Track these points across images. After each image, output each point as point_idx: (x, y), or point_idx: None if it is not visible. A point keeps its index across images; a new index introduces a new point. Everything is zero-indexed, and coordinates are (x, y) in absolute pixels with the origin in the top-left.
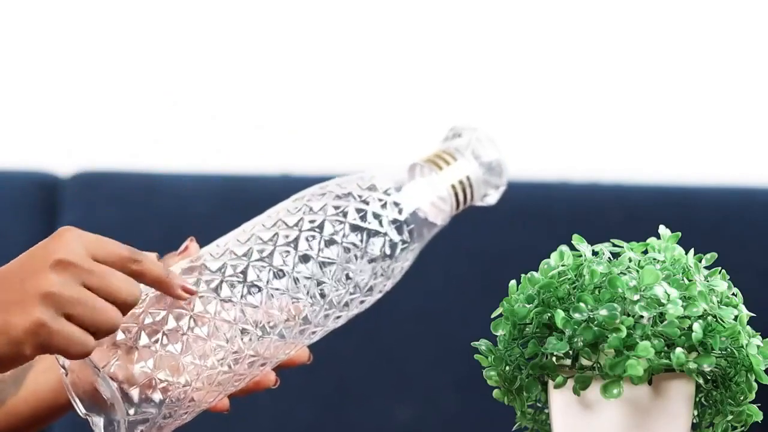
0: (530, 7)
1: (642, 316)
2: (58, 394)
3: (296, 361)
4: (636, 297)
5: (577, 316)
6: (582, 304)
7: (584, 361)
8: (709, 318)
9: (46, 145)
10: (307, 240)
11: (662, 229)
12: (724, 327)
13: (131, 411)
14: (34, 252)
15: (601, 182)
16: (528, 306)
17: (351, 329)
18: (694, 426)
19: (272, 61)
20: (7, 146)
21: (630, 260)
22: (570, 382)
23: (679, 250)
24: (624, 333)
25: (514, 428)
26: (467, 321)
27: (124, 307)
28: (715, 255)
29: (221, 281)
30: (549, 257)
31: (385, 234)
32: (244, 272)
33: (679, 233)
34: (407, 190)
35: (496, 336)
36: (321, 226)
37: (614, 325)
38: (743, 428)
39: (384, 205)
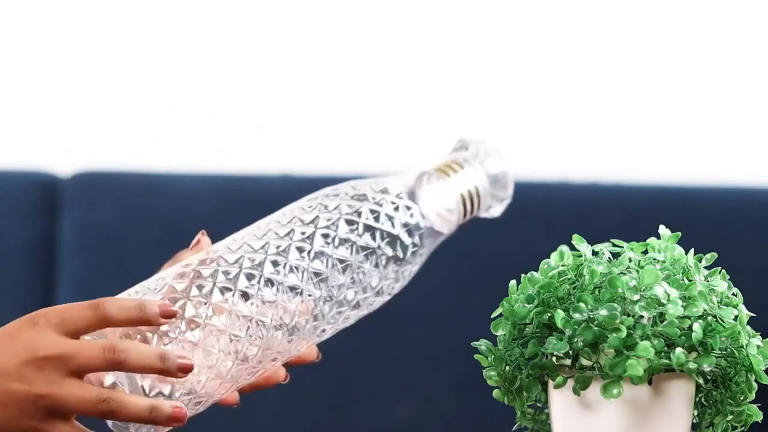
0: (530, 9)
1: (642, 316)
2: None
3: (306, 359)
4: (636, 297)
5: (577, 316)
6: (582, 304)
7: (584, 361)
8: (709, 318)
9: (46, 145)
10: (323, 237)
11: (662, 229)
12: (724, 327)
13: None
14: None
15: (601, 182)
16: (528, 306)
17: (352, 329)
18: (694, 426)
19: (272, 61)
20: (7, 146)
21: (630, 260)
22: (570, 382)
23: (679, 250)
24: (624, 333)
25: (514, 428)
26: (467, 321)
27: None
28: (715, 255)
29: (239, 272)
30: (549, 257)
31: (397, 236)
32: (261, 264)
33: (679, 233)
34: (417, 196)
35: (496, 336)
36: (336, 224)
37: (614, 325)
38: (743, 428)
39: (396, 208)
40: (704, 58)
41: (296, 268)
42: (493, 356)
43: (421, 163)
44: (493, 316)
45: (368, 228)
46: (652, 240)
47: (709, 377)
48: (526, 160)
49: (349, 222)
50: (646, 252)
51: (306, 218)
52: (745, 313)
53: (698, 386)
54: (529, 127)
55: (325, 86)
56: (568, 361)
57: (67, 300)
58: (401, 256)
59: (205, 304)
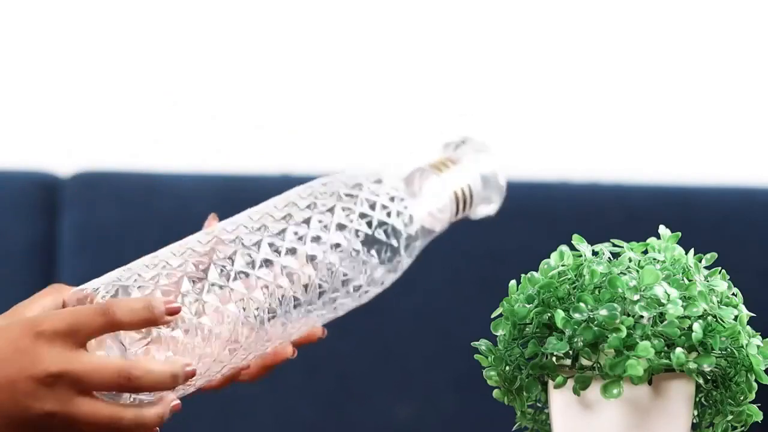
0: (530, 8)
1: (642, 316)
2: None
3: (313, 337)
4: (636, 297)
5: (577, 316)
6: (582, 304)
7: (584, 361)
8: (709, 318)
9: (46, 145)
10: (319, 222)
11: (662, 229)
12: (724, 327)
13: None
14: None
15: (601, 182)
16: (528, 306)
17: (352, 328)
18: (694, 426)
19: (272, 61)
20: (7, 146)
21: (630, 260)
22: (570, 382)
23: (679, 250)
24: (624, 333)
25: (514, 428)
26: (467, 321)
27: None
28: (715, 255)
29: (235, 252)
30: (549, 257)
31: (393, 225)
32: (258, 244)
33: (679, 233)
34: (411, 191)
35: (496, 336)
36: (332, 210)
37: (614, 325)
38: (743, 428)
39: (392, 199)
40: (704, 58)
41: (293, 249)
42: (493, 356)
43: (420, 162)
44: (493, 316)
45: (363, 215)
46: (652, 240)
47: (709, 377)
48: (526, 160)
49: (345, 209)
50: (646, 252)
51: (302, 204)
52: (745, 313)
53: (698, 386)
54: (529, 127)
55: (324, 86)
56: (568, 361)
57: None
58: (397, 246)
59: (229, 269)
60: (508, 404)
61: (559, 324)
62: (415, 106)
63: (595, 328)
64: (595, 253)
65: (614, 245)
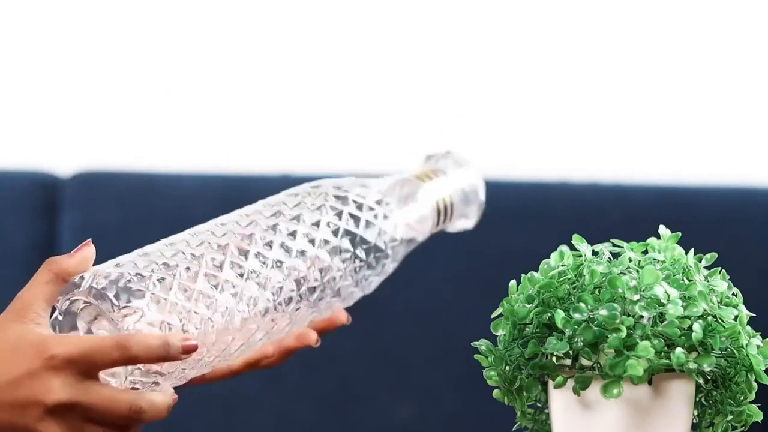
0: (530, 8)
1: (642, 316)
2: None
3: (336, 322)
4: (636, 297)
5: (577, 316)
6: (582, 304)
7: (584, 361)
8: (709, 318)
9: (46, 145)
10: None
11: (662, 229)
12: (724, 327)
13: None
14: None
15: (601, 182)
16: (528, 306)
17: (352, 328)
18: (694, 426)
19: (272, 61)
20: (7, 146)
21: (630, 260)
22: (570, 382)
23: (679, 250)
24: (624, 333)
25: (514, 428)
26: (467, 321)
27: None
28: (715, 255)
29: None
30: (549, 257)
31: (379, 226)
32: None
33: (679, 233)
34: (394, 201)
35: (496, 336)
36: (319, 208)
37: (614, 325)
38: (743, 428)
39: (379, 202)
40: (704, 58)
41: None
42: (493, 356)
43: (419, 164)
44: (493, 316)
45: (353, 216)
46: (652, 240)
47: (709, 377)
48: (526, 160)
49: (333, 209)
50: (646, 252)
51: (291, 206)
52: (745, 313)
53: (698, 386)
54: (529, 127)
55: (324, 86)
56: (568, 361)
57: None
58: (381, 246)
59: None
60: (508, 404)
61: (559, 324)
62: (415, 106)
63: (595, 328)
64: (595, 253)
65: (614, 245)
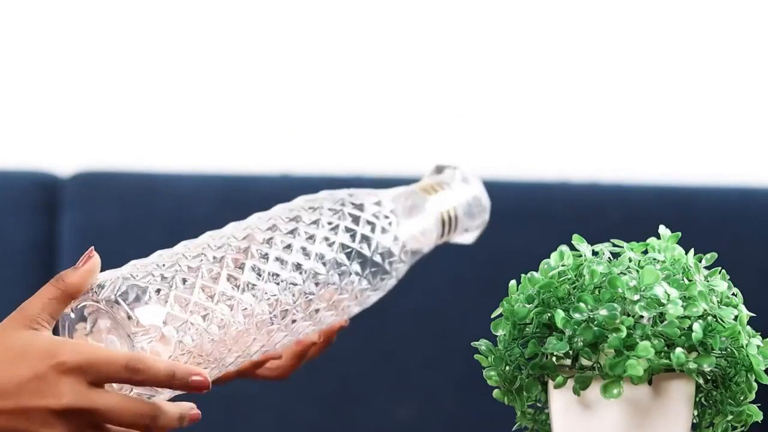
0: (530, 8)
1: (642, 316)
2: None
3: (335, 326)
4: (636, 297)
5: (577, 316)
6: (582, 304)
7: (584, 361)
8: (709, 318)
9: (46, 145)
10: (305, 234)
11: (662, 229)
12: (724, 327)
13: None
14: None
15: (601, 182)
16: (528, 306)
17: (352, 329)
18: (694, 426)
19: (272, 61)
20: (7, 146)
21: (630, 260)
22: (570, 382)
23: (679, 250)
24: (624, 333)
25: (514, 428)
26: (467, 321)
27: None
28: (715, 255)
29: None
30: (549, 257)
31: (378, 240)
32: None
33: (679, 233)
34: (400, 213)
35: (496, 336)
36: (316, 222)
37: (614, 325)
38: (743, 428)
39: (376, 215)
40: (704, 58)
41: (282, 259)
42: (493, 356)
43: (419, 164)
44: (493, 316)
45: (349, 230)
46: (652, 240)
47: (709, 377)
48: (526, 160)
49: (332, 222)
50: (646, 252)
51: (287, 225)
52: (745, 313)
53: (698, 386)
54: (529, 127)
55: (324, 86)
56: (568, 361)
57: None
58: (380, 262)
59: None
60: (508, 404)
61: (559, 324)
62: (415, 106)
63: (595, 328)
64: (595, 253)
65: (614, 245)
